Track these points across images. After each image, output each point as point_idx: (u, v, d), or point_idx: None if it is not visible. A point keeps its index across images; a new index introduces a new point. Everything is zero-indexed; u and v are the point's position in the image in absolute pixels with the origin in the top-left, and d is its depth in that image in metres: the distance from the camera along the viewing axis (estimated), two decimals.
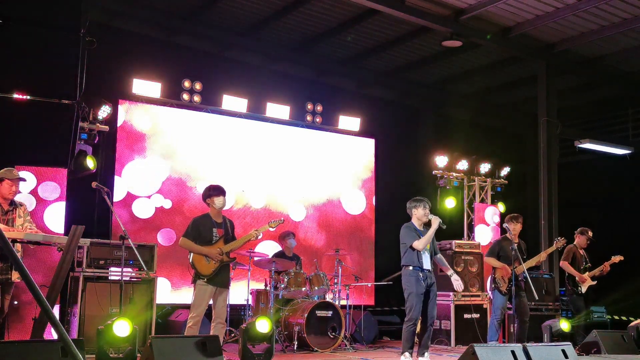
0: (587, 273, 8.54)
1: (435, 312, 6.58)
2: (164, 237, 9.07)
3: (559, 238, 8.35)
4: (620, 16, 9.41)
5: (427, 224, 6.68)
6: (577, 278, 8.51)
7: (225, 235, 6.33)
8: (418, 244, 6.43)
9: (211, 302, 6.27)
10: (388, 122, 11.92)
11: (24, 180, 6.29)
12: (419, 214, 6.60)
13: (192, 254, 6.20)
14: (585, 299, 8.56)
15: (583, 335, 8.03)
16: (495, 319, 7.77)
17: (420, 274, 6.42)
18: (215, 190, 6.39)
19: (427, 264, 6.51)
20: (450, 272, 6.78)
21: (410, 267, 6.45)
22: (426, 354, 6.48)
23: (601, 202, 12.47)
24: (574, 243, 8.72)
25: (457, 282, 6.72)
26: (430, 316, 6.46)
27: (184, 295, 8.74)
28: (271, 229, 6.81)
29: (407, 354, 6.35)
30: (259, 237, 6.63)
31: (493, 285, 7.90)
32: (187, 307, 6.83)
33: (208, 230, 6.27)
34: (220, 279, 6.23)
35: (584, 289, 8.49)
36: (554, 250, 8.28)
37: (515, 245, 7.54)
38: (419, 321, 6.53)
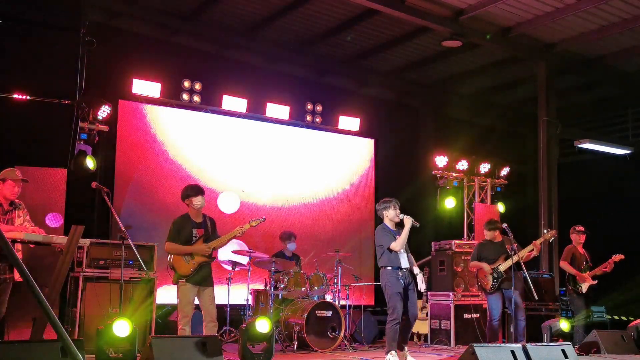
0: (587, 272, 8.54)
1: (417, 309, 6.69)
2: (163, 237, 9.05)
3: (548, 229, 8.35)
4: (620, 16, 9.41)
5: (399, 224, 6.73)
6: (577, 278, 8.51)
7: (205, 235, 6.35)
8: (395, 245, 6.48)
9: (198, 302, 6.29)
10: (388, 122, 11.93)
11: (27, 181, 6.31)
12: (390, 215, 6.63)
13: (170, 255, 6.22)
14: (585, 299, 8.56)
15: (583, 335, 8.04)
16: (491, 321, 7.78)
17: (400, 273, 6.50)
18: (192, 190, 6.39)
19: (404, 262, 6.58)
20: (416, 270, 6.79)
21: (389, 267, 6.51)
22: (406, 348, 6.56)
23: (601, 202, 12.46)
24: (572, 244, 8.73)
25: (421, 283, 6.74)
26: (413, 314, 6.54)
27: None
28: (253, 226, 6.79)
29: (393, 352, 6.41)
30: (242, 234, 6.62)
31: (481, 289, 7.98)
32: None
33: (187, 231, 6.29)
34: (200, 278, 6.22)
35: (584, 289, 8.49)
36: (542, 241, 8.28)
37: (516, 245, 7.56)
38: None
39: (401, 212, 6.64)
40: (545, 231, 8.33)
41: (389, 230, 6.63)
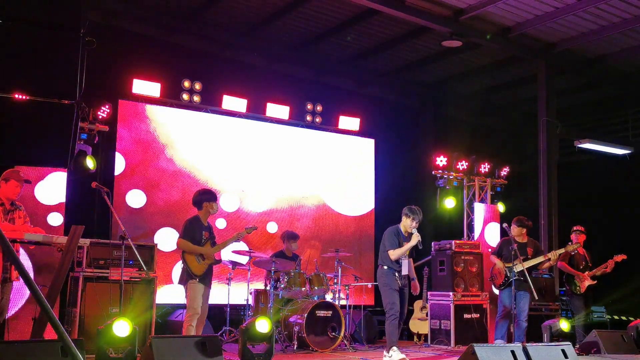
0: (587, 272, 8.54)
1: (406, 310, 6.89)
2: (164, 237, 9.07)
3: (571, 242, 8.38)
4: (620, 16, 9.40)
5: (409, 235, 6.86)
6: (575, 278, 8.52)
7: (210, 238, 6.64)
8: (393, 254, 6.68)
9: None
10: (388, 122, 11.92)
11: (29, 182, 6.34)
12: (406, 223, 6.81)
13: (185, 253, 6.39)
14: (585, 299, 8.57)
15: (583, 335, 8.05)
16: (497, 316, 7.92)
17: (396, 274, 6.67)
18: (213, 195, 6.76)
19: (404, 269, 6.74)
20: (412, 276, 6.95)
21: (386, 267, 6.72)
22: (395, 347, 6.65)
23: (601, 202, 12.46)
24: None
25: (415, 287, 6.96)
26: (402, 313, 6.73)
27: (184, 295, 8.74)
28: (248, 233, 7.07)
29: (394, 347, 6.46)
30: (238, 241, 6.98)
31: (491, 281, 8.16)
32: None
33: (199, 233, 6.52)
34: (208, 279, 6.57)
35: (582, 289, 8.50)
36: (563, 252, 8.30)
37: (515, 245, 7.64)
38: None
39: (417, 228, 6.76)
40: (569, 242, 8.36)
41: (397, 233, 6.76)
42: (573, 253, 8.51)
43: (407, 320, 9.14)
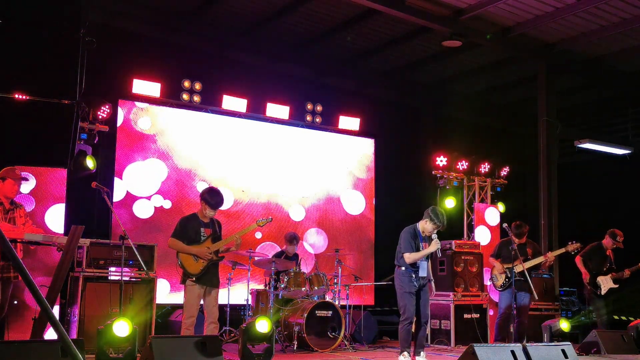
0: (610, 275, 8.46)
1: (429, 310, 6.61)
2: (164, 237, 9.05)
3: (572, 242, 8.27)
4: (620, 16, 9.41)
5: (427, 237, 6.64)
6: (597, 279, 8.45)
7: (212, 235, 6.43)
8: (408, 258, 6.42)
9: (202, 302, 6.33)
10: (388, 122, 11.91)
11: (26, 180, 6.33)
12: (427, 227, 6.48)
13: (180, 253, 6.27)
14: (605, 299, 8.45)
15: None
16: (498, 318, 7.90)
17: (413, 275, 6.46)
18: (212, 202, 6.41)
19: (422, 272, 6.50)
20: (430, 277, 6.75)
21: (403, 267, 6.49)
22: (422, 353, 6.49)
23: (601, 202, 12.46)
24: (602, 241, 8.66)
25: (431, 289, 6.75)
26: (424, 315, 6.48)
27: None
28: (260, 226, 6.89)
29: (405, 353, 6.38)
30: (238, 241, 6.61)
31: (491, 283, 8.11)
32: None
33: (195, 230, 6.36)
34: (208, 279, 6.30)
35: (603, 291, 8.42)
36: (563, 252, 8.25)
37: (515, 245, 7.61)
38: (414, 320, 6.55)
39: (437, 234, 6.51)
40: (569, 242, 8.26)
41: (415, 234, 6.52)
42: (573, 252, 8.41)
43: None
